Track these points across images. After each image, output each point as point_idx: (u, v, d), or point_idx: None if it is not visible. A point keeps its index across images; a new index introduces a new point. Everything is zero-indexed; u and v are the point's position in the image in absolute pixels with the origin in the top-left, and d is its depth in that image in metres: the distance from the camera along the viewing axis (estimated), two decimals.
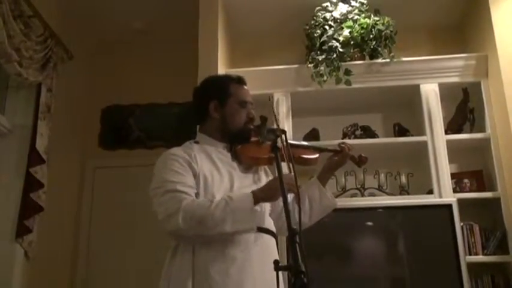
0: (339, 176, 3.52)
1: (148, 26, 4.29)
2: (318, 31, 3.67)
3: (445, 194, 3.31)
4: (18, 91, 3.52)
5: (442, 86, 3.56)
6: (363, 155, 2.20)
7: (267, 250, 1.83)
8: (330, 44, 3.58)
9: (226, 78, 2.11)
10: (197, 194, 1.82)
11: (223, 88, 2.03)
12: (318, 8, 3.77)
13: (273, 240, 1.91)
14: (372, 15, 3.67)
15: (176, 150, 1.92)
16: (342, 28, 3.63)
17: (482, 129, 3.53)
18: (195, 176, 1.84)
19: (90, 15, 4.16)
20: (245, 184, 1.93)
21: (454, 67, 3.59)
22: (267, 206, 1.94)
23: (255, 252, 1.79)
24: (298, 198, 1.63)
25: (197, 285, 1.72)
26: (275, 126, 1.85)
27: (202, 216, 1.70)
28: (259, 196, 1.74)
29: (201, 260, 1.75)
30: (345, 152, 2.13)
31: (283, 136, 1.78)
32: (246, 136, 2.00)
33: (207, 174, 1.86)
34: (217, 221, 1.68)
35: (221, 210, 1.69)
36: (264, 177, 2.07)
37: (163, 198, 1.77)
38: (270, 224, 1.92)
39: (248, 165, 2.01)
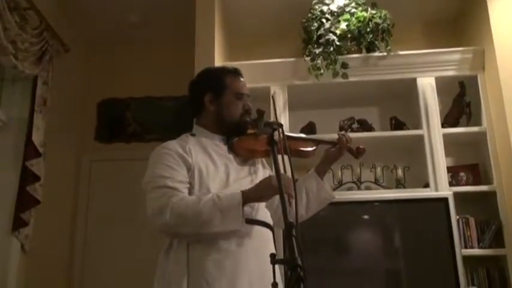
0: (335, 170, 3.52)
1: (144, 19, 4.26)
2: (315, 24, 3.67)
3: (441, 187, 3.32)
4: (14, 84, 3.50)
5: (438, 80, 3.56)
6: (360, 146, 2.19)
7: (263, 243, 1.83)
8: (326, 37, 3.57)
9: (222, 70, 2.09)
10: (192, 187, 1.81)
11: (218, 80, 2.02)
12: (315, 1, 3.76)
13: (269, 232, 1.91)
14: (369, 9, 3.66)
15: (170, 144, 1.91)
16: (339, 21, 3.62)
17: (478, 123, 3.54)
18: (189, 169, 1.83)
19: (86, 8, 4.14)
20: (241, 176, 1.93)
21: (451, 61, 3.60)
22: None
23: (251, 244, 1.78)
24: (295, 192, 1.61)
25: (192, 280, 1.71)
26: (272, 120, 1.84)
27: (189, 214, 1.69)
28: (249, 196, 1.71)
29: (196, 254, 1.74)
30: (342, 143, 2.12)
31: (280, 130, 1.77)
32: (243, 128, 1.99)
33: (202, 167, 1.85)
34: (204, 219, 1.68)
35: (208, 209, 1.68)
36: (261, 169, 2.06)
37: (153, 194, 1.77)
38: (266, 216, 1.91)
39: (245, 157, 2.00)
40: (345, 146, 2.12)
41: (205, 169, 1.86)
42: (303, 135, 2.27)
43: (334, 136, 2.18)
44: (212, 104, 2.00)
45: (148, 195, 1.79)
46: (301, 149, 2.09)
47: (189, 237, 1.76)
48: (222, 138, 2.00)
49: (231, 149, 1.99)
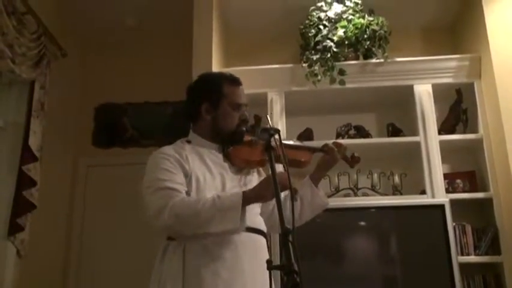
0: (332, 176, 3.52)
1: (141, 23, 4.27)
2: (313, 31, 3.68)
3: (438, 194, 3.32)
4: (11, 88, 3.49)
5: (435, 87, 3.57)
6: (355, 154, 2.18)
7: (257, 250, 1.83)
8: (324, 43, 3.58)
9: (220, 78, 2.05)
10: (188, 194, 1.80)
11: (216, 89, 1.99)
12: (312, 7, 3.77)
13: (263, 239, 1.90)
14: (366, 16, 3.67)
15: (167, 149, 1.91)
16: (337, 28, 3.64)
17: (475, 130, 3.55)
18: (186, 175, 1.83)
19: (84, 13, 4.15)
20: (236, 185, 1.92)
21: (448, 68, 3.61)
22: (256, 205, 1.91)
23: (245, 251, 1.78)
24: (291, 195, 1.59)
25: (187, 286, 1.71)
26: (269, 126, 1.82)
27: (189, 214, 1.69)
28: (250, 196, 1.70)
29: (192, 260, 1.74)
30: (332, 153, 2.09)
31: (277, 136, 1.76)
32: (238, 137, 1.97)
33: (199, 175, 1.85)
34: (203, 219, 1.67)
35: (208, 209, 1.67)
36: (257, 178, 2.05)
37: (154, 196, 1.77)
38: (260, 223, 1.91)
39: (240, 167, 1.99)
40: (335, 155, 2.09)
41: (203, 177, 1.85)
42: (298, 143, 2.24)
43: (331, 142, 2.17)
44: (208, 114, 1.98)
45: (148, 198, 1.78)
46: (297, 159, 2.06)
47: (189, 237, 1.75)
48: (217, 147, 1.99)
49: (227, 157, 1.98)
